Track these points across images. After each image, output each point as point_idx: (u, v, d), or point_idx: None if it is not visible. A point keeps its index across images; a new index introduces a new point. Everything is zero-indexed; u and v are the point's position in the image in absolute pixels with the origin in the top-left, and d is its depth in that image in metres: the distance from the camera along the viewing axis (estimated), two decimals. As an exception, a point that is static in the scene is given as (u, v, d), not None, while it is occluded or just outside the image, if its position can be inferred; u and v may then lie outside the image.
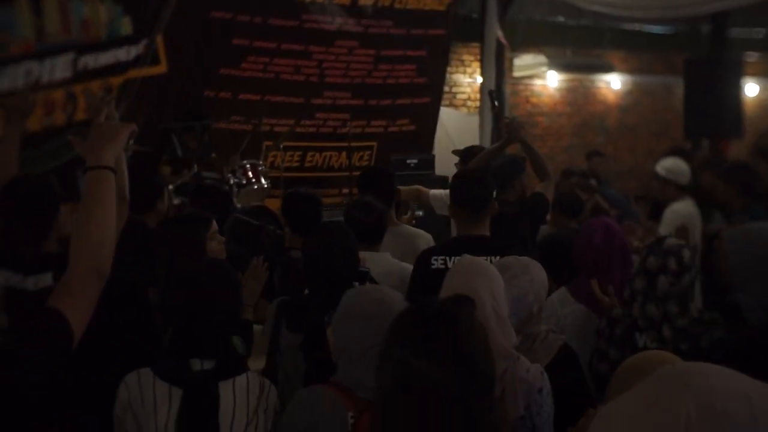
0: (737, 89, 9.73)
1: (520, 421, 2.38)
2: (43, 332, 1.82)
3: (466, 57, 10.77)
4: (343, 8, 8.05)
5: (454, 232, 4.11)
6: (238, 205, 6.44)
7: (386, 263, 3.73)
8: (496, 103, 7.54)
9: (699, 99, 9.28)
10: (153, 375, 2.37)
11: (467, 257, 2.66)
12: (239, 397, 2.38)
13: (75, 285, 1.90)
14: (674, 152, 6.17)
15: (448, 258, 3.43)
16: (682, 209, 5.43)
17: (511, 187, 4.86)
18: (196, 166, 6.60)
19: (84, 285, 1.91)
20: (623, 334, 2.91)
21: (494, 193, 3.64)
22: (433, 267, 3.47)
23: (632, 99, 12.28)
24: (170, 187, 6.27)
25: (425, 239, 4.32)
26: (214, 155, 7.01)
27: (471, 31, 9.83)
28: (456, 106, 10.79)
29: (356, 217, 3.71)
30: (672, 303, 2.81)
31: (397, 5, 8.31)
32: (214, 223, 3.60)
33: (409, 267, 3.70)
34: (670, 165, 5.66)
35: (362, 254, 3.22)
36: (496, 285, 2.41)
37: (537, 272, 2.77)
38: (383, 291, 2.40)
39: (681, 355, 2.21)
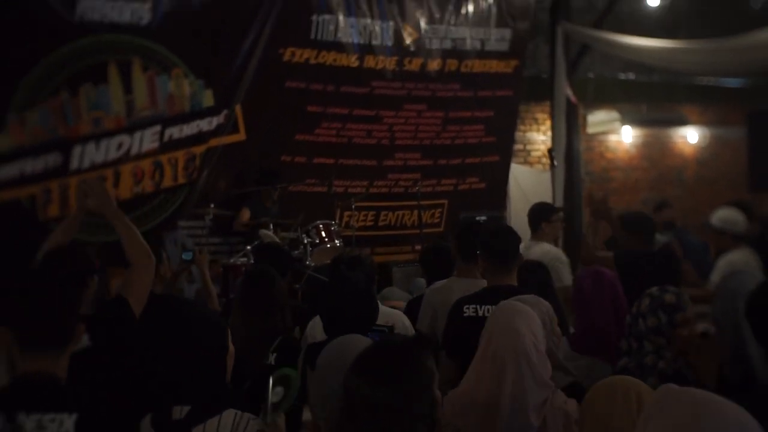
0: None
1: None
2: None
3: (539, 115, 10.97)
4: (412, 74, 8.40)
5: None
6: (311, 264, 6.82)
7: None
8: (555, 163, 7.71)
9: (764, 151, 9.17)
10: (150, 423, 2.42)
11: (509, 301, 2.90)
12: None
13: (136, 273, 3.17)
14: (731, 204, 6.17)
15: (478, 306, 3.66)
16: (737, 258, 5.43)
17: None
18: (272, 226, 7.00)
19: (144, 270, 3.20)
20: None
21: (519, 246, 3.86)
22: (465, 315, 3.71)
23: (710, 152, 12.12)
24: (248, 247, 6.71)
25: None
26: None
27: (542, 90, 10.05)
28: (530, 164, 10.96)
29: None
30: (632, 340, 3.03)
31: (463, 69, 8.60)
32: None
33: (397, 312, 3.99)
34: (725, 215, 5.69)
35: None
36: (534, 324, 2.72)
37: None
38: (354, 340, 2.58)
39: None
